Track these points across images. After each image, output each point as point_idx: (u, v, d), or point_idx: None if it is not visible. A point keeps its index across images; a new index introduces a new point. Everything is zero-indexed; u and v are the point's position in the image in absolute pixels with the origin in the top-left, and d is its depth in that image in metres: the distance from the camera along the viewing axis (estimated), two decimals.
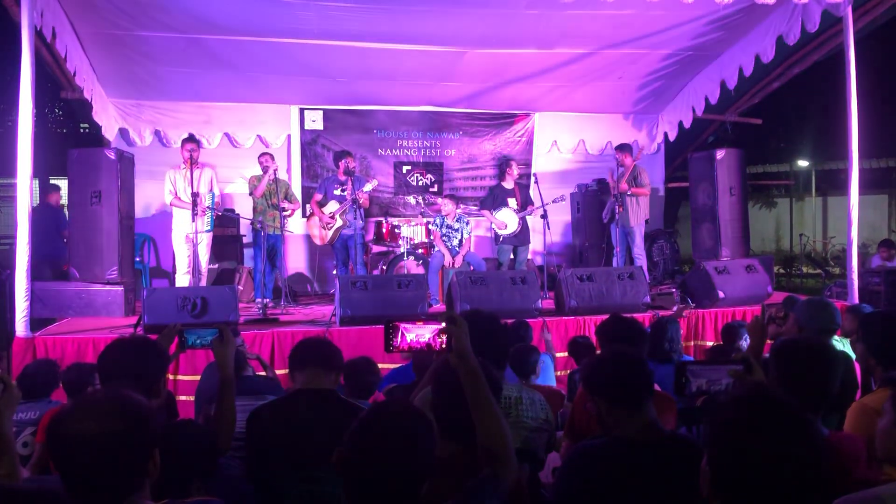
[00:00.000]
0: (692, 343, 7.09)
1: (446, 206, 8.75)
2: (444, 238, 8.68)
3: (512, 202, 8.97)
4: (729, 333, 5.27)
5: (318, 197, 8.66)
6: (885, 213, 17.52)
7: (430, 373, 2.96)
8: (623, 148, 9.13)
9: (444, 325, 2.22)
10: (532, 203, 9.07)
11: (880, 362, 2.98)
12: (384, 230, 9.27)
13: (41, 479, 3.06)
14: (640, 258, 8.81)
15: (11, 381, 2.14)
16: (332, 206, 8.45)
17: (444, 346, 2.23)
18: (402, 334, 2.27)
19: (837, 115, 7.71)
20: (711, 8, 7.07)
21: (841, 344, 4.19)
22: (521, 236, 9.03)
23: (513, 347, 4.32)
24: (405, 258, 8.61)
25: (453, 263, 8.52)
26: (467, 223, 8.89)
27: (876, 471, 2.27)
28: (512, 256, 9.12)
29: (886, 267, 9.11)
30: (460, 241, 8.72)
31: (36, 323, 6.33)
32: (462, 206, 10.33)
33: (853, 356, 3.68)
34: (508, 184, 9.12)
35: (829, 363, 2.51)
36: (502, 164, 9.42)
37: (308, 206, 9.13)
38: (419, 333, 2.27)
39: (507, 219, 8.90)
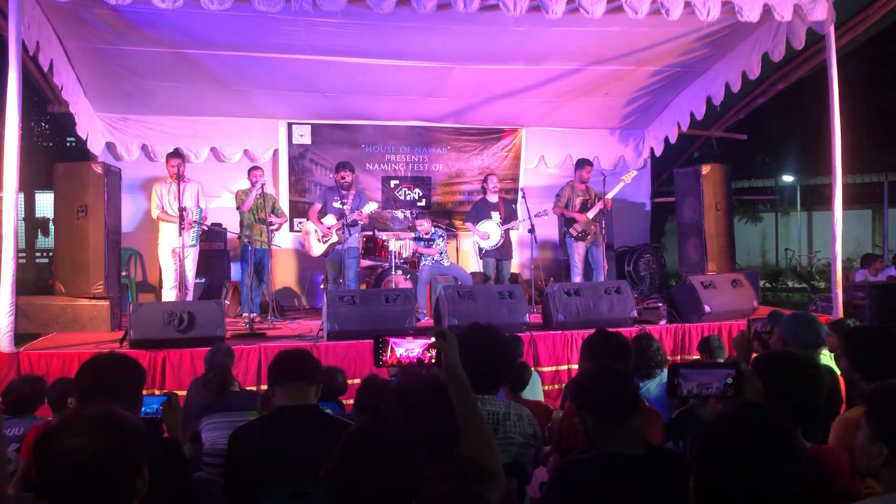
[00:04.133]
0: (678, 357, 7.12)
1: (423, 225, 8.84)
2: (424, 250, 8.85)
3: (495, 216, 8.98)
4: (707, 348, 5.28)
5: (318, 207, 8.52)
6: (869, 228, 17.69)
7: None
8: (588, 163, 9.15)
9: (433, 339, 2.23)
10: (515, 218, 9.10)
11: (864, 377, 3.00)
12: (372, 244, 9.28)
13: (25, 496, 3.03)
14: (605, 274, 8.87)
15: None
16: (331, 220, 8.37)
17: (433, 360, 2.23)
18: (392, 349, 2.27)
19: (822, 131, 7.80)
20: (697, 25, 7.14)
21: (826, 358, 4.22)
22: (504, 250, 9.02)
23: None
24: (393, 272, 8.62)
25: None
26: (441, 236, 8.94)
27: (858, 484, 2.29)
28: (495, 271, 9.10)
29: (870, 281, 9.21)
30: (440, 252, 8.82)
31: (20, 338, 6.29)
32: (448, 220, 10.41)
33: (838, 371, 3.70)
34: (492, 198, 9.11)
35: (812, 377, 2.53)
36: (483, 179, 9.42)
37: (307, 217, 8.76)
38: (409, 348, 2.27)
39: (489, 230, 8.90)
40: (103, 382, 2.69)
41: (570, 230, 8.84)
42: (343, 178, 8.39)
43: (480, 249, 9.07)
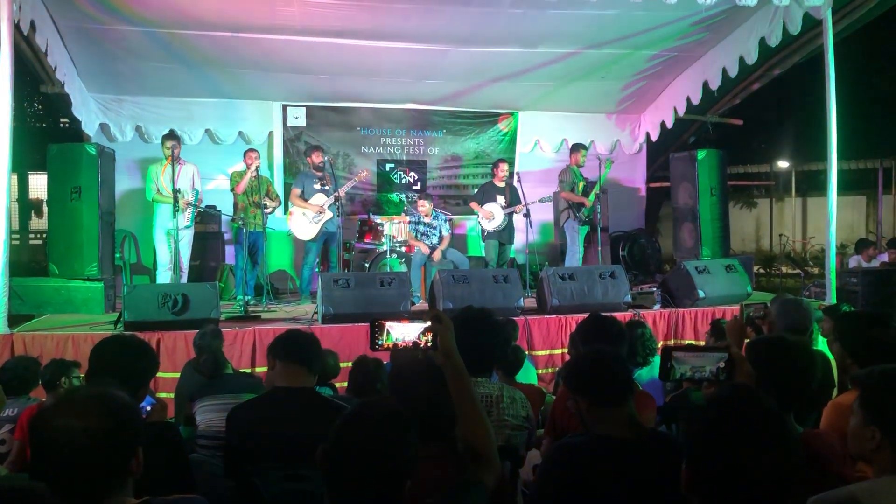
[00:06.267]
0: (672, 342, 7.14)
1: (423, 206, 8.81)
2: (422, 236, 8.75)
3: (501, 199, 9.02)
4: (717, 330, 5.28)
5: (298, 191, 8.56)
6: (864, 214, 17.72)
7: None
8: (584, 147, 9.29)
9: (429, 323, 2.22)
10: (519, 203, 9.10)
11: (856, 362, 3.02)
12: (367, 228, 9.27)
13: (19, 476, 3.04)
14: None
15: None
16: (321, 199, 8.41)
17: (429, 344, 2.23)
18: (388, 332, 2.27)
19: (817, 117, 7.80)
20: (694, 9, 7.12)
21: (820, 343, 4.24)
22: (506, 234, 9.06)
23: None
24: (388, 256, 8.60)
25: (432, 257, 8.57)
26: (446, 220, 8.94)
27: (850, 468, 2.30)
28: (497, 254, 9.11)
29: (863, 267, 9.24)
30: (439, 237, 8.78)
31: (14, 319, 6.28)
32: (444, 203, 10.38)
33: (830, 355, 3.72)
34: (499, 182, 9.16)
35: (805, 362, 2.54)
36: (493, 164, 9.46)
37: (291, 202, 8.80)
38: (405, 332, 2.27)
39: (493, 211, 8.92)
40: (115, 363, 2.70)
41: (577, 214, 8.81)
42: (315, 159, 8.53)
43: (483, 231, 9.08)
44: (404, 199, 10.36)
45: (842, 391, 3.30)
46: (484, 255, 9.25)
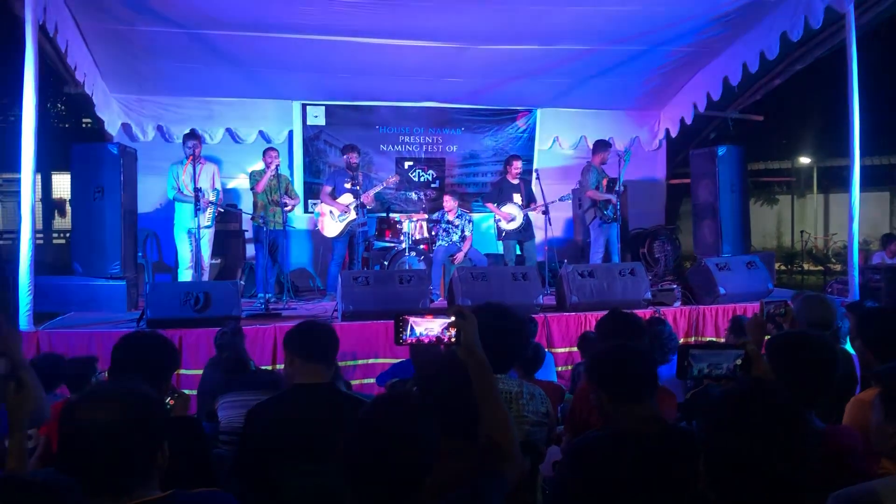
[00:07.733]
0: (692, 339, 7.11)
1: (448, 202, 8.82)
2: (443, 233, 8.76)
3: (517, 197, 8.99)
4: (737, 328, 5.25)
5: (328, 189, 8.70)
6: (887, 210, 17.55)
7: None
8: (608, 145, 9.29)
9: (453, 318, 2.24)
10: (535, 200, 9.07)
11: (878, 357, 3.00)
12: (386, 225, 9.30)
13: (45, 471, 3.08)
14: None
15: (28, 380, 2.17)
16: (348, 198, 8.51)
17: (452, 339, 2.24)
18: (412, 328, 2.28)
19: (839, 112, 7.71)
20: (714, 4, 7.07)
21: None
22: (526, 231, 9.05)
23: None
24: (406, 254, 8.63)
25: (454, 259, 8.59)
26: (469, 220, 8.94)
27: (873, 464, 2.29)
28: (518, 252, 9.11)
29: (887, 263, 9.14)
30: (461, 237, 8.78)
31: (39, 317, 6.36)
32: (462, 200, 10.39)
33: (853, 352, 3.69)
34: (513, 179, 9.13)
35: (823, 356, 2.52)
36: (506, 160, 9.43)
37: (320, 199, 8.94)
38: (428, 327, 2.28)
39: (513, 212, 8.91)
40: (137, 359, 2.76)
41: (604, 213, 8.75)
42: (352, 159, 8.61)
43: (500, 231, 9.06)
44: (423, 197, 10.37)
45: (865, 387, 3.28)
46: (503, 253, 9.23)
